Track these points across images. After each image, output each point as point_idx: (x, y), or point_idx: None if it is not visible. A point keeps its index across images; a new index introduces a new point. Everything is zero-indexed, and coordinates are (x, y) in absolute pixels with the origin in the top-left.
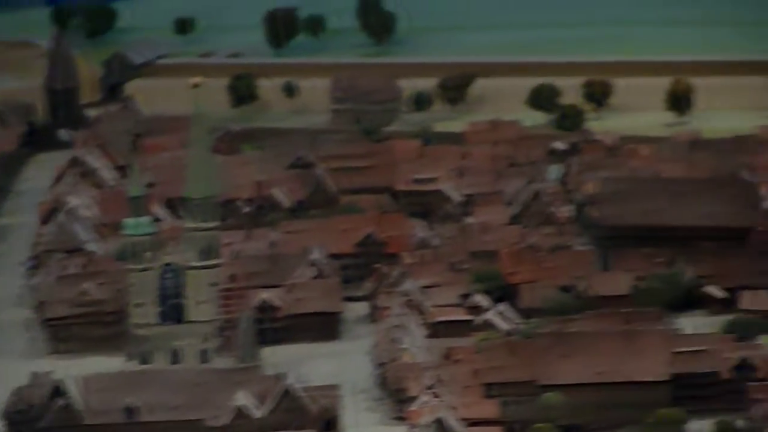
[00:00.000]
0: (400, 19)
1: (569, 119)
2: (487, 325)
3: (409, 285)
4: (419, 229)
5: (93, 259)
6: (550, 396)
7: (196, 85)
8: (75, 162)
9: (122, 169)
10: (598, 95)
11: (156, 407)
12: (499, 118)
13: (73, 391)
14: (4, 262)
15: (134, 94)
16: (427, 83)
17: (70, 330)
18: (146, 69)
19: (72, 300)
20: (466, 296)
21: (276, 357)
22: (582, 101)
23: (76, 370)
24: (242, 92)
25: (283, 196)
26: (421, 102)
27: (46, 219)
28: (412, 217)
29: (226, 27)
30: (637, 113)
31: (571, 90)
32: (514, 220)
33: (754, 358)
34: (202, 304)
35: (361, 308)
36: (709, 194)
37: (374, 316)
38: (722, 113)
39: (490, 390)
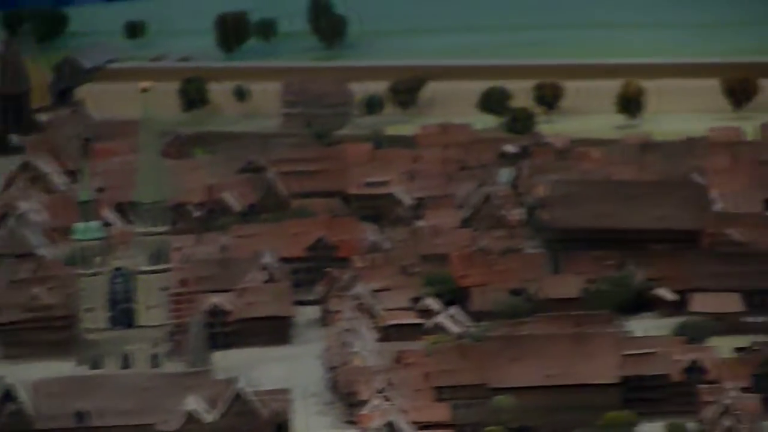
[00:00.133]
0: (351, 23)
1: (520, 122)
2: (438, 329)
3: (360, 289)
4: (370, 233)
5: (43, 264)
6: (500, 399)
7: (145, 90)
8: (25, 167)
9: (72, 174)
10: (549, 98)
11: (106, 412)
12: (450, 122)
13: (24, 396)
14: None
15: (85, 99)
16: (378, 87)
17: (20, 335)
18: (97, 73)
19: (22, 305)
20: (417, 300)
21: (227, 361)
22: (533, 104)
23: (27, 375)
24: (193, 96)
25: (234, 200)
26: (372, 105)
27: None
28: (364, 220)
29: (177, 31)
30: (588, 116)
31: (521, 93)
32: (465, 223)
33: (705, 360)
34: (152, 309)
35: (313, 312)
36: (659, 197)
37: (325, 320)
38: (673, 116)
39: (441, 393)
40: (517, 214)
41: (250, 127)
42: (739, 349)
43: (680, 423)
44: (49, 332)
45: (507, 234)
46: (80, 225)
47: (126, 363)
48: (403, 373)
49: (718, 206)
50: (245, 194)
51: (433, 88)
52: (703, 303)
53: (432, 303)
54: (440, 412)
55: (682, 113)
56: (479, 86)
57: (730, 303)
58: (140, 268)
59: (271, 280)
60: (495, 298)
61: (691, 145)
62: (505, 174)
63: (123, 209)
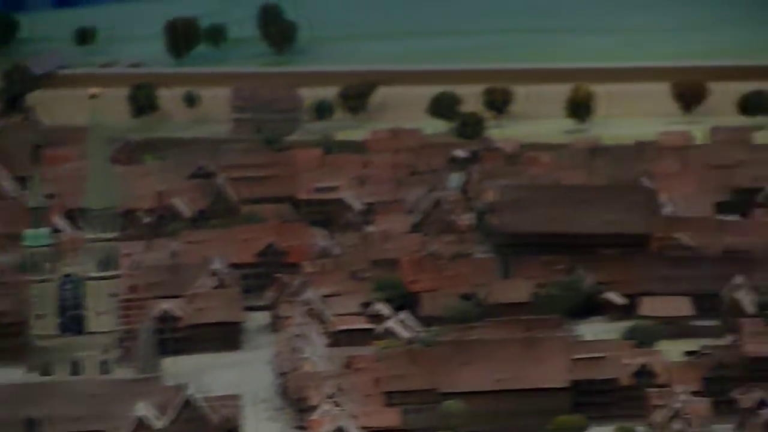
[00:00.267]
0: (301, 29)
1: (470, 127)
2: (388, 334)
3: (310, 294)
4: (320, 238)
5: None
6: (451, 404)
7: (93, 96)
8: None
9: (23, 180)
10: (499, 103)
11: (56, 419)
12: (400, 127)
13: None
14: None
15: (35, 106)
16: (328, 92)
17: None
18: (47, 80)
19: None
20: (367, 305)
21: (177, 367)
22: (482, 109)
23: None
24: (143, 102)
25: (183, 206)
26: (322, 111)
27: None
28: (314, 226)
29: (127, 37)
30: (538, 121)
31: (471, 98)
32: (415, 228)
33: (654, 364)
34: (102, 315)
35: (263, 318)
36: (609, 201)
37: (275, 325)
38: (622, 120)
39: (392, 398)
40: (467, 218)
41: (200, 133)
42: (689, 353)
43: (630, 427)
44: (0, 339)
45: (457, 239)
46: (30, 231)
47: (76, 369)
48: (353, 378)
49: (667, 210)
50: (195, 200)
51: (383, 94)
52: (652, 307)
53: (382, 308)
54: (390, 417)
55: (632, 117)
56: (429, 91)
57: (680, 307)
58: (90, 275)
59: (221, 285)
60: (445, 303)
61: (640, 150)
62: (454, 179)
63: (73, 216)
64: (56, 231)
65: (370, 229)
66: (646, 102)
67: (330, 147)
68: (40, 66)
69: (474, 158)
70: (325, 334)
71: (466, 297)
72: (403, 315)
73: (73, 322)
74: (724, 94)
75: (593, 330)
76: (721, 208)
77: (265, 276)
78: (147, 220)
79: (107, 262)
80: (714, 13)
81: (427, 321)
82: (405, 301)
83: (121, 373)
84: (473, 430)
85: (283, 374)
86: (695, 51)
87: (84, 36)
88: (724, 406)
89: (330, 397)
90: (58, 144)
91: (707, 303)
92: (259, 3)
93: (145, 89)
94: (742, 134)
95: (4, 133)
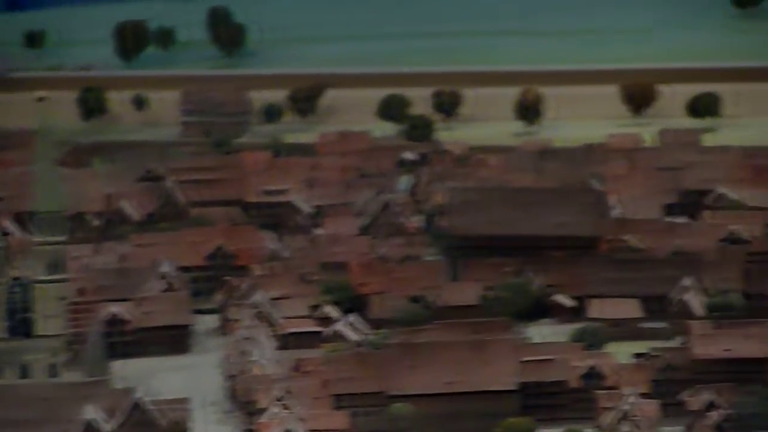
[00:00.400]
0: (250, 32)
1: (419, 130)
2: (337, 336)
3: (259, 297)
4: (269, 241)
5: None
6: (399, 407)
7: (41, 99)
8: None
9: None
10: (448, 105)
11: (5, 422)
12: (349, 129)
13: None
14: None
15: None
16: (277, 95)
17: None
18: None
19: None
20: (315, 307)
21: (125, 370)
22: (431, 112)
23: None
24: (91, 105)
25: (132, 209)
26: (271, 114)
27: None
28: (262, 228)
29: (77, 41)
30: (487, 123)
31: (420, 101)
32: (364, 231)
33: (603, 366)
34: (50, 319)
35: (212, 321)
36: (558, 204)
37: (224, 328)
38: (572, 122)
39: (340, 401)
40: (415, 221)
41: (149, 136)
42: (638, 355)
43: (579, 429)
44: None
45: (406, 241)
46: None
47: (24, 373)
48: (301, 382)
49: (616, 212)
50: (144, 203)
51: (332, 96)
52: (601, 309)
53: (331, 311)
54: (339, 420)
55: (581, 120)
56: (378, 94)
57: (628, 309)
58: (38, 278)
59: (169, 289)
60: (394, 306)
61: (589, 152)
62: (403, 182)
63: (22, 219)
64: (5, 234)
65: (319, 231)
66: (596, 104)
67: (279, 150)
68: None
69: (423, 161)
70: (274, 337)
71: (414, 300)
72: (352, 318)
73: (21, 326)
74: (673, 96)
75: (542, 332)
76: (670, 210)
77: (214, 279)
78: (96, 223)
79: (56, 266)
80: (663, 16)
81: (376, 324)
82: (354, 304)
83: (70, 376)
84: None
85: (231, 377)
86: (644, 53)
87: (33, 39)
88: (672, 408)
89: (279, 400)
90: (5, 147)
91: (656, 305)
92: (208, 6)
93: (94, 92)
94: (691, 136)
95: None
